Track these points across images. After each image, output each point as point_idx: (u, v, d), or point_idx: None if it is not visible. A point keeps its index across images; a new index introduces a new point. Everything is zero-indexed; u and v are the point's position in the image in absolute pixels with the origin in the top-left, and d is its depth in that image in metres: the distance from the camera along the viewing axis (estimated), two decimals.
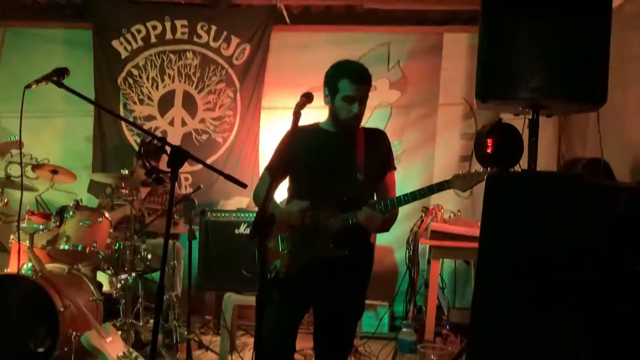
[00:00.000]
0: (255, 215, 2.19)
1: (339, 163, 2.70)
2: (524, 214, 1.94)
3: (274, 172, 2.72)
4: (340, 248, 2.63)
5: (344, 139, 2.73)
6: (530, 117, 2.71)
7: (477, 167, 2.73)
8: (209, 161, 5.29)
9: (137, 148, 5.25)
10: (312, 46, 5.40)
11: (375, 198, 2.78)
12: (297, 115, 2.43)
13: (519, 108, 2.78)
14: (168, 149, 2.14)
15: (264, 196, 2.70)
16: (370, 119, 5.33)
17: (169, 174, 2.10)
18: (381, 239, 4.95)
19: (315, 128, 2.81)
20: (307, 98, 2.49)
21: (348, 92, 2.63)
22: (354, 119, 2.66)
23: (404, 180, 5.22)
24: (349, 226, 2.61)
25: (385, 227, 2.73)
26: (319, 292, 2.69)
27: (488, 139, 2.79)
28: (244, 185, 2.23)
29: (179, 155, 2.10)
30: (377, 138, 2.81)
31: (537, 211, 1.89)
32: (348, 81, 2.63)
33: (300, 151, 2.66)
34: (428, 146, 5.38)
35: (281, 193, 2.85)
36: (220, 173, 2.20)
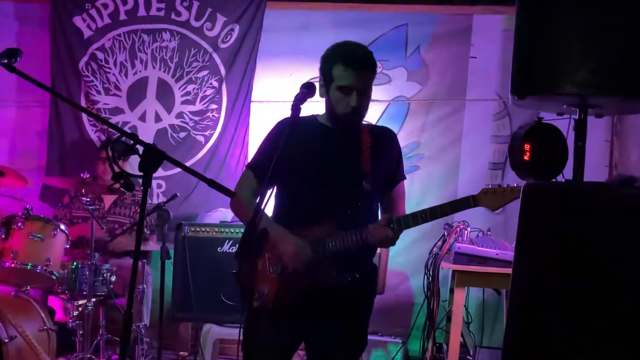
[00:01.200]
0: (243, 230, 2.20)
1: (342, 167, 2.70)
2: (567, 233, 1.95)
3: (262, 174, 2.68)
4: (345, 273, 2.64)
5: (347, 137, 2.73)
6: (577, 117, 2.73)
7: (511, 176, 2.74)
8: (187, 164, 5.30)
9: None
10: (313, 27, 5.43)
11: (379, 212, 2.80)
12: (296, 109, 2.45)
13: (563, 106, 2.79)
14: (140, 148, 2.15)
15: (246, 204, 2.72)
16: (383, 117, 5.37)
17: (141, 179, 2.11)
18: (394, 263, 4.97)
19: (312, 121, 2.79)
20: (308, 89, 2.50)
21: (343, 81, 2.61)
22: (352, 114, 2.64)
23: (422, 191, 5.26)
24: (355, 247, 2.62)
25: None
26: (314, 325, 2.70)
27: (525, 144, 2.78)
28: (230, 194, 2.25)
29: (154, 157, 2.12)
30: (386, 139, 2.82)
31: (583, 231, 1.91)
32: (343, 67, 2.61)
33: (293, 150, 2.59)
34: (452, 151, 5.40)
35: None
36: (203, 178, 2.22)
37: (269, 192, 2.33)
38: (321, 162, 2.71)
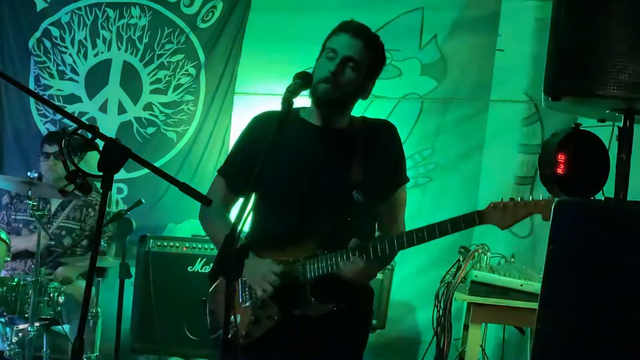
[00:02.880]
0: (221, 246, 2.19)
1: (326, 174, 2.69)
2: (607, 261, 1.96)
3: (234, 180, 2.70)
4: (326, 302, 2.63)
5: (334, 135, 2.72)
6: (622, 124, 2.75)
7: (541, 193, 2.74)
8: (156, 165, 5.30)
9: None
10: (312, 8, 5.46)
11: (376, 226, 2.79)
12: (288, 103, 2.44)
13: (605, 111, 2.82)
14: (101, 143, 2.15)
15: (214, 217, 2.71)
16: (391, 116, 5.38)
17: (101, 180, 2.11)
18: (398, 292, 4.98)
19: (294, 118, 2.72)
20: (302, 80, 2.51)
21: (331, 44, 2.67)
22: (327, 81, 2.62)
23: (434, 207, 5.27)
24: (332, 274, 2.61)
25: (382, 268, 2.76)
26: None
27: (559, 154, 2.80)
28: (206, 202, 2.25)
29: (117, 154, 2.12)
30: (384, 135, 2.81)
31: (627, 259, 1.92)
32: (336, 32, 2.69)
33: (270, 154, 2.47)
34: (472, 159, 5.42)
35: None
36: (174, 182, 2.22)
37: (249, 203, 2.30)
38: (301, 166, 2.70)
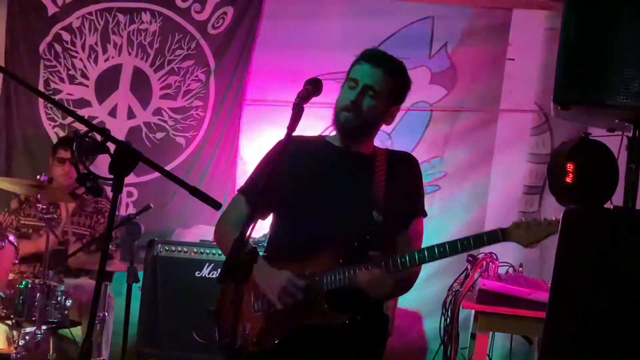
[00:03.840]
0: (230, 250, 2.21)
1: (349, 192, 2.72)
2: (615, 268, 1.97)
3: (255, 200, 2.69)
4: (340, 313, 2.64)
5: (358, 159, 2.77)
6: (632, 134, 2.76)
7: (549, 203, 2.75)
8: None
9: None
10: (322, 16, 5.48)
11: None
12: (298, 109, 2.45)
13: (614, 120, 2.83)
14: (112, 147, 2.17)
15: (232, 234, 2.72)
16: (400, 125, 5.38)
17: (111, 183, 2.13)
18: (405, 300, 4.98)
19: (319, 141, 2.85)
20: (313, 87, 2.50)
21: (353, 75, 2.73)
22: (348, 110, 2.68)
23: (443, 216, 5.27)
24: (350, 287, 2.62)
25: (400, 290, 2.79)
26: None
27: (568, 163, 2.81)
28: (216, 205, 2.27)
29: (128, 157, 2.14)
30: (405, 165, 2.85)
31: (635, 266, 1.93)
32: (359, 61, 2.74)
33: (293, 171, 2.66)
34: (481, 169, 5.43)
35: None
36: (185, 186, 2.24)
37: (258, 218, 2.33)
38: (325, 185, 2.74)
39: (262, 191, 2.52)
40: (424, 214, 2.87)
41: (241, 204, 2.83)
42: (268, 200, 2.54)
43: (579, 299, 1.95)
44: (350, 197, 2.72)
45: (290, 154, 2.58)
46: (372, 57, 2.74)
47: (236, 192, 2.93)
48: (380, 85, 2.70)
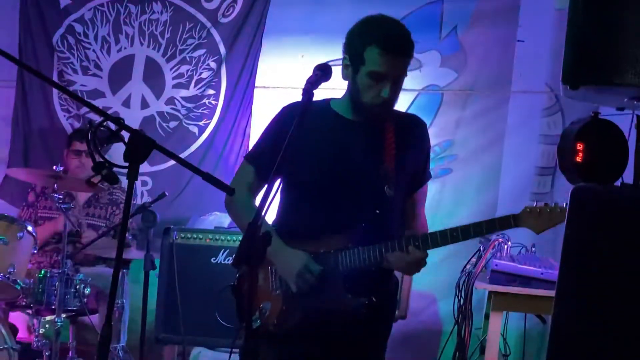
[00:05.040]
0: (244, 232, 2.24)
1: (359, 168, 2.72)
2: (626, 248, 1.98)
3: (262, 167, 2.71)
4: (359, 296, 2.67)
5: (367, 131, 2.74)
6: None
7: (562, 183, 2.76)
8: None
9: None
10: (331, 2, 5.48)
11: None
12: (308, 94, 2.47)
13: (624, 99, 2.83)
14: (126, 136, 2.20)
15: (241, 203, 2.75)
16: (411, 109, 5.40)
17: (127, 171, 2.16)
18: (419, 283, 5.00)
19: (325, 108, 2.79)
20: (323, 72, 2.52)
21: (377, 67, 2.61)
22: (382, 106, 2.66)
23: (455, 199, 5.30)
24: (373, 267, 2.65)
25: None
26: (322, 355, 2.74)
27: (578, 143, 2.81)
28: (230, 191, 2.30)
29: (142, 145, 2.17)
30: (415, 131, 2.85)
31: None
32: (379, 50, 2.60)
33: (301, 143, 2.55)
34: (493, 151, 5.43)
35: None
36: (198, 172, 2.26)
37: (273, 189, 2.32)
38: (334, 160, 2.73)
39: (268, 158, 2.54)
40: (430, 177, 2.91)
41: (247, 171, 2.83)
42: (277, 173, 2.46)
43: (587, 277, 1.96)
44: (360, 173, 2.72)
45: (300, 122, 2.47)
46: (393, 45, 2.62)
47: (244, 160, 2.90)
48: (405, 70, 2.68)
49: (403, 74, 2.68)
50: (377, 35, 2.63)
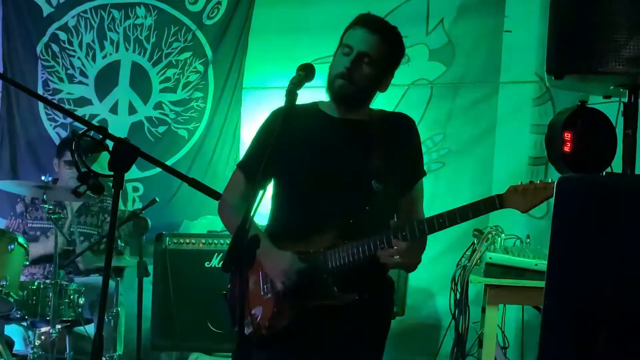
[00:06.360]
0: (232, 237, 2.25)
1: (346, 164, 2.74)
2: (615, 237, 1.99)
3: (252, 172, 2.72)
4: (349, 291, 2.67)
5: (354, 126, 2.77)
6: (627, 99, 2.77)
7: (555, 173, 2.77)
8: (168, 163, 5.36)
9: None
10: (318, 0, 5.49)
11: (395, 219, 2.82)
12: (291, 95, 2.49)
13: (609, 87, 2.84)
14: (111, 144, 2.21)
15: (235, 211, 2.74)
16: (401, 103, 5.41)
17: (112, 180, 2.17)
18: (417, 279, 5.01)
19: (312, 109, 2.83)
20: (305, 72, 2.53)
21: (345, 40, 2.71)
22: (342, 77, 2.67)
23: (449, 193, 5.29)
24: (363, 263, 2.65)
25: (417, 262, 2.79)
26: (315, 356, 2.74)
27: (565, 132, 2.82)
28: (216, 196, 2.30)
29: (126, 153, 2.17)
30: (403, 128, 2.87)
31: (629, 232, 1.95)
32: (353, 29, 2.71)
33: (289, 144, 2.63)
34: (485, 143, 5.43)
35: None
36: (184, 178, 2.27)
37: (259, 194, 2.34)
38: (321, 157, 2.75)
39: (260, 168, 2.55)
40: (425, 173, 2.91)
41: (239, 179, 2.85)
42: (266, 176, 2.56)
43: (575, 266, 1.98)
44: (347, 170, 2.73)
45: (286, 127, 2.51)
46: (368, 22, 2.71)
47: (236, 168, 2.93)
48: (376, 51, 2.69)
49: (375, 55, 2.69)
50: (357, 18, 2.74)
